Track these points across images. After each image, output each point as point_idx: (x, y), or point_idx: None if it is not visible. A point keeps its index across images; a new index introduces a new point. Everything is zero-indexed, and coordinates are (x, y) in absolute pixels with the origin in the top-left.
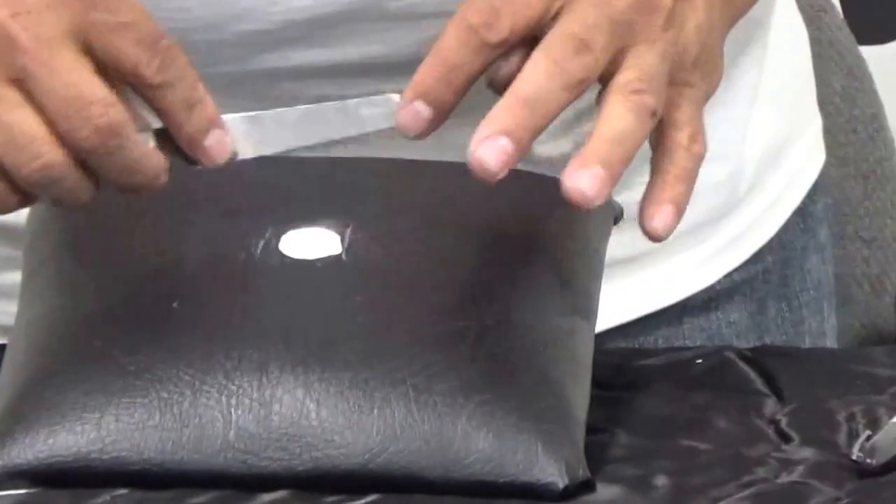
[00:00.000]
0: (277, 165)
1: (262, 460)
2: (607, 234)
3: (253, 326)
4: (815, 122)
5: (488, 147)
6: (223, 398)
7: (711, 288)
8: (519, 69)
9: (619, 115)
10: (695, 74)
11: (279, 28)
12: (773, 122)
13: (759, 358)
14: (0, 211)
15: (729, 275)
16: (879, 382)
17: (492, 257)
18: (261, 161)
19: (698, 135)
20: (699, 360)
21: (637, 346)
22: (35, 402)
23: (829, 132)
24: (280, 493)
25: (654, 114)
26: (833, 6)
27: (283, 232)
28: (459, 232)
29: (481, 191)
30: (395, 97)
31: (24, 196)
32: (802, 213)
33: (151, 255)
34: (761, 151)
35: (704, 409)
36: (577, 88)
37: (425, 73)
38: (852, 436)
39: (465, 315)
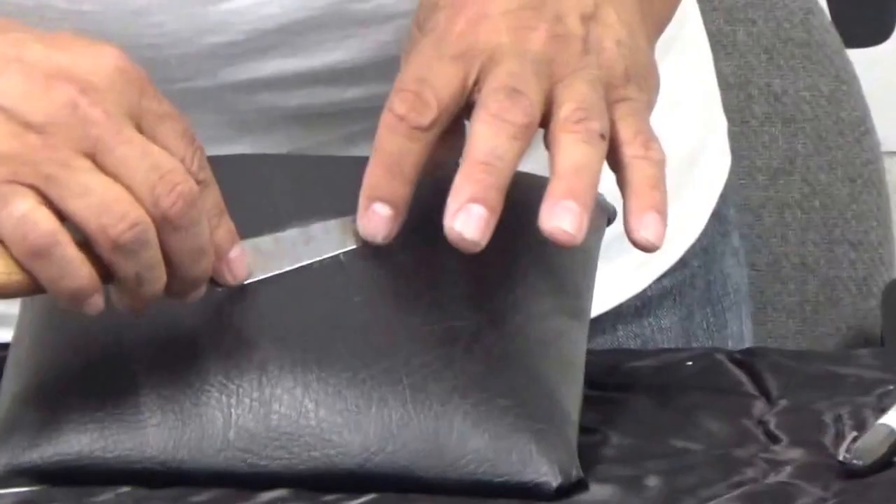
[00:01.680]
0: (277, 166)
1: (261, 459)
2: (600, 235)
3: (252, 326)
4: (722, 126)
5: (464, 218)
6: (223, 397)
7: (644, 293)
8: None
9: (572, 147)
10: (629, 88)
11: (249, 38)
12: (688, 127)
13: (748, 360)
14: (65, 290)
15: (659, 280)
16: (866, 384)
17: (486, 258)
18: (265, 160)
19: (651, 142)
20: (690, 362)
21: None
22: (39, 401)
23: (816, 135)
24: (279, 492)
25: (602, 136)
26: (821, 9)
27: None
28: None
29: None
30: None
31: (95, 269)
32: (718, 217)
33: None
34: (680, 157)
35: (695, 410)
36: (525, 134)
37: (372, 175)
38: (839, 437)
39: (460, 315)
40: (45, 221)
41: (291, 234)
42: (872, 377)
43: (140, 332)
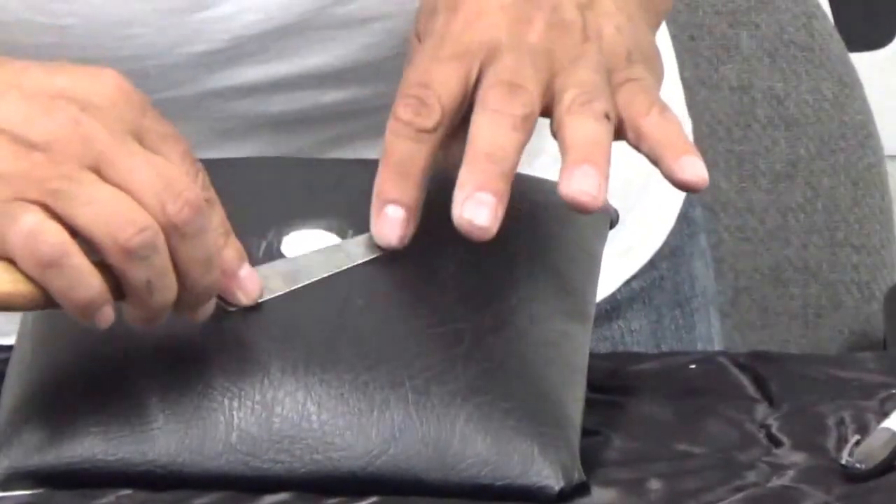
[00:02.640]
0: (280, 167)
1: (263, 462)
2: (603, 238)
3: (255, 328)
4: (686, 126)
5: (472, 206)
6: (225, 400)
7: (613, 297)
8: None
9: (579, 125)
10: (635, 69)
11: (231, 46)
12: None
13: (751, 363)
14: (76, 301)
15: (628, 283)
16: (868, 388)
17: (489, 260)
18: (264, 163)
19: (666, 111)
20: (693, 366)
21: None
22: (41, 405)
23: (819, 139)
24: (282, 496)
25: (607, 116)
26: (824, 13)
27: (285, 233)
28: (457, 236)
29: None
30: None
31: (110, 286)
32: (686, 219)
33: None
34: (645, 158)
35: (697, 414)
36: (526, 125)
37: (382, 180)
38: (841, 440)
39: (462, 318)
40: (55, 233)
41: (296, 259)
42: (875, 381)
43: (143, 336)
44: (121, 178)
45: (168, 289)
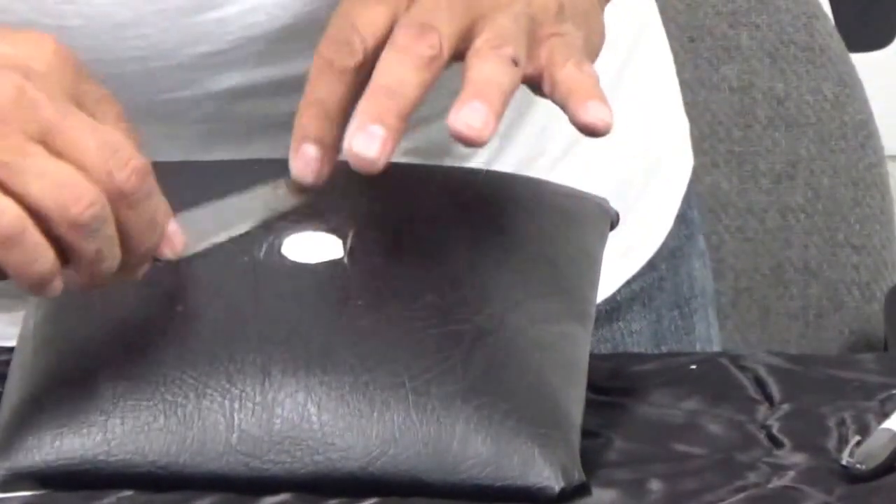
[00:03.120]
0: (282, 169)
1: (263, 463)
2: (603, 240)
3: (255, 330)
4: (684, 127)
5: (362, 138)
6: (226, 401)
7: (613, 298)
8: None
9: (482, 65)
10: (563, 26)
11: (235, 47)
12: (650, 129)
13: (751, 364)
14: (32, 275)
15: (628, 284)
16: (869, 388)
17: (489, 261)
18: (265, 164)
19: (584, 64)
20: (693, 366)
21: None
22: (42, 405)
23: (820, 139)
24: (282, 497)
25: (515, 61)
26: (824, 13)
27: (287, 235)
28: (457, 236)
29: (480, 196)
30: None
31: (57, 255)
32: (684, 220)
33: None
34: (643, 159)
35: (698, 415)
36: (431, 67)
37: (301, 117)
38: (842, 441)
39: (462, 318)
40: (11, 208)
41: (222, 203)
42: (875, 382)
43: (142, 337)
44: (68, 147)
45: (115, 256)
